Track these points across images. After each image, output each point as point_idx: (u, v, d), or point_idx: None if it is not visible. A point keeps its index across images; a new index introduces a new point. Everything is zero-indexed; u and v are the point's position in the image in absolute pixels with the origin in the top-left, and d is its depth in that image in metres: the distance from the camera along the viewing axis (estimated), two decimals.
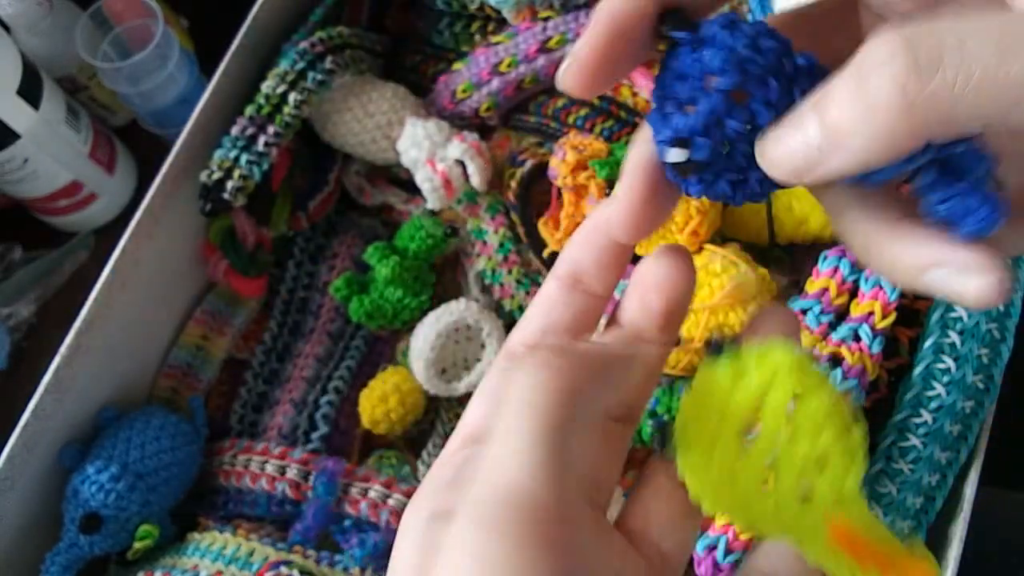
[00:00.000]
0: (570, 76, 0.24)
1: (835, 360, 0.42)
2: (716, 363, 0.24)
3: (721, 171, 0.22)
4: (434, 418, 0.56)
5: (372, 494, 0.50)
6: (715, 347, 0.25)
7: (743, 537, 0.41)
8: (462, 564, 0.20)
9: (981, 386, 0.42)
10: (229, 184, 0.52)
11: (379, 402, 0.53)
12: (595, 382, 0.24)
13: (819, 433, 0.23)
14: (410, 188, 0.58)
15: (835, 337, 0.43)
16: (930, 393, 0.42)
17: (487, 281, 0.56)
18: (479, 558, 0.20)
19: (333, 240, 0.60)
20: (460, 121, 0.56)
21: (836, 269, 0.45)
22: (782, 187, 0.22)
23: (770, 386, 0.24)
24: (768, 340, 0.25)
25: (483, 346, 0.55)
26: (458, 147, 0.54)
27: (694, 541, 0.27)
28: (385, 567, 0.35)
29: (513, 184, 0.55)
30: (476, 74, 0.55)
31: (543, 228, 0.54)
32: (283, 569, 0.47)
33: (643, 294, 0.27)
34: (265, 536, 0.50)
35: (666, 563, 0.25)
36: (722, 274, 0.45)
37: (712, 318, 0.44)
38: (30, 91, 0.58)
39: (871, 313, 0.43)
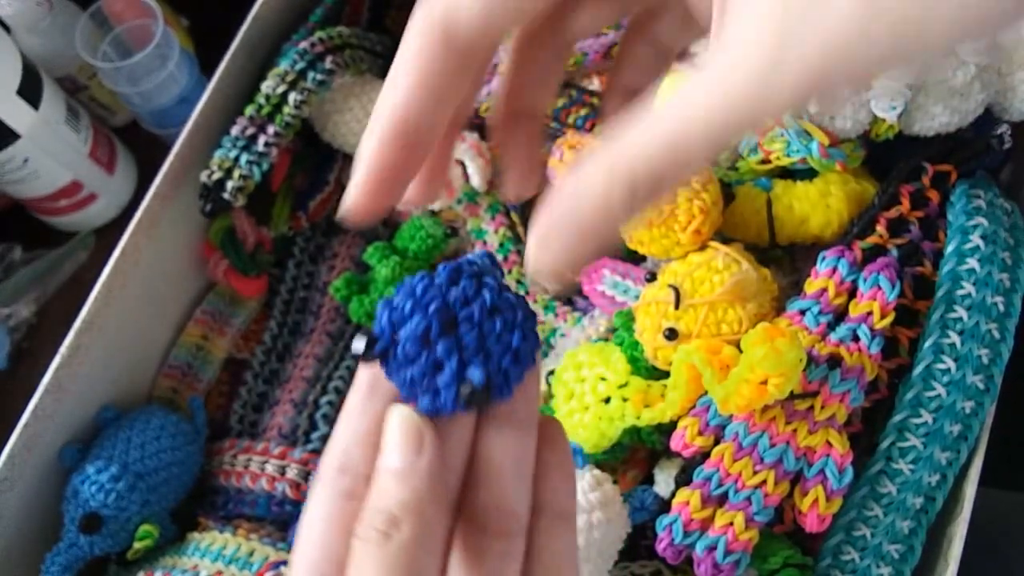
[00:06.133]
0: (350, 201, 0.25)
1: (834, 360, 0.42)
2: None
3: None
4: None
5: None
6: None
7: (742, 538, 0.41)
8: None
9: (981, 386, 0.42)
10: (229, 184, 0.52)
11: None
12: None
13: None
14: None
15: (834, 337, 0.43)
16: (930, 393, 0.42)
17: None
18: None
19: (333, 240, 0.60)
20: None
21: (835, 269, 0.45)
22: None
23: None
24: None
25: None
26: (458, 147, 0.54)
27: None
28: None
29: None
30: None
31: None
32: (283, 569, 0.47)
33: None
34: (265, 536, 0.50)
35: None
36: (723, 271, 0.45)
37: (711, 314, 0.44)
38: (30, 91, 0.58)
39: (870, 313, 0.43)
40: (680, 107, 0.21)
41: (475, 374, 0.25)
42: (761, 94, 0.20)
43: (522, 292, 0.55)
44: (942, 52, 0.20)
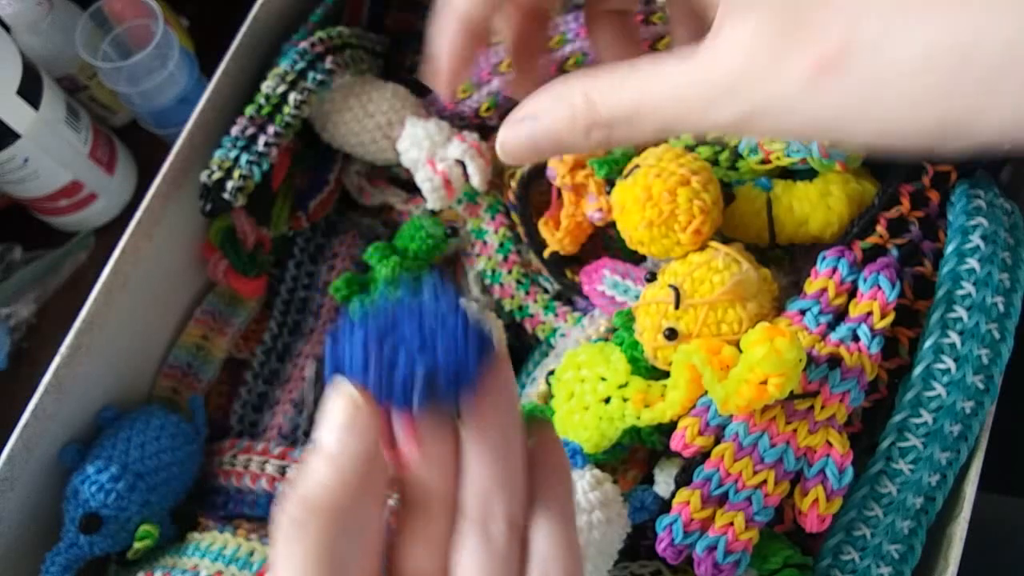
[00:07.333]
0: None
1: (834, 360, 0.42)
2: None
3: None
4: None
5: None
6: None
7: (742, 538, 0.41)
8: None
9: (981, 386, 0.42)
10: (229, 184, 0.52)
11: None
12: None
13: None
14: (410, 188, 0.58)
15: (834, 337, 0.43)
16: (930, 393, 0.42)
17: (487, 281, 0.56)
18: None
19: (333, 240, 0.60)
20: (460, 121, 0.56)
21: (835, 269, 0.45)
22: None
23: None
24: None
25: None
26: (458, 147, 0.54)
27: None
28: None
29: (513, 184, 0.55)
30: (476, 74, 0.55)
31: (543, 228, 0.54)
32: None
33: None
34: (265, 536, 0.50)
35: None
36: (723, 271, 0.45)
37: (711, 314, 0.44)
38: (30, 91, 0.58)
39: (870, 313, 0.43)
40: (652, 78, 0.24)
41: (422, 361, 0.25)
42: (707, 110, 0.23)
43: (522, 292, 0.55)
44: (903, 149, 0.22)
